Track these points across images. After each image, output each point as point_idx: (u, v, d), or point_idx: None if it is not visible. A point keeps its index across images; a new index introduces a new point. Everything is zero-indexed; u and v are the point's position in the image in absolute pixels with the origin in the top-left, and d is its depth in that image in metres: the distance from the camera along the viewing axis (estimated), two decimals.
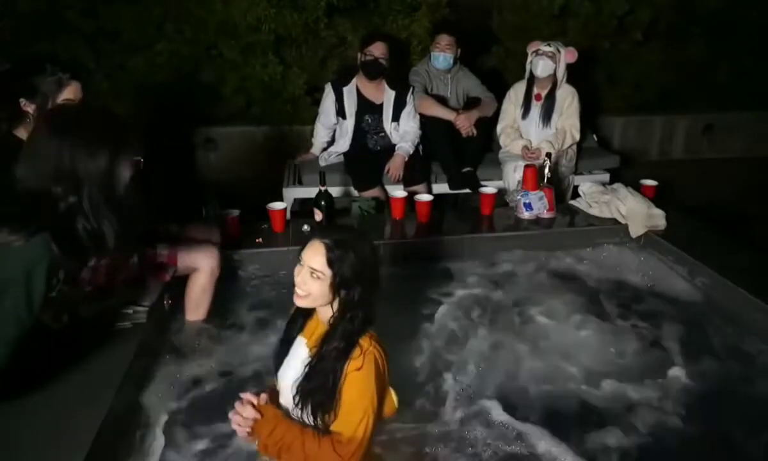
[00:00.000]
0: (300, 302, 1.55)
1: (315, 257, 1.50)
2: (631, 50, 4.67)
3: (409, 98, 3.52)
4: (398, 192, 3.08)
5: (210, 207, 2.70)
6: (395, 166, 3.37)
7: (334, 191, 3.12)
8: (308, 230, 2.81)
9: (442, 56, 3.69)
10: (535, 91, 3.59)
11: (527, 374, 2.09)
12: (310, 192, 3.19)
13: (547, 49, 3.45)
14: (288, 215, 3.01)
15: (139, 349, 1.94)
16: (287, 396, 1.60)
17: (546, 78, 3.51)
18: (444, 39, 3.67)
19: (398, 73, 3.62)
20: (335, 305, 1.56)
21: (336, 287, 1.52)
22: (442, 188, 3.60)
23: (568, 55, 3.48)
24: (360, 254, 1.54)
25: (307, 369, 1.55)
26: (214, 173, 4.35)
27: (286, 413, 1.60)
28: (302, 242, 1.60)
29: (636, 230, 2.88)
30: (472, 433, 1.79)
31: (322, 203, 2.82)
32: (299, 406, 1.54)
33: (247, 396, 1.56)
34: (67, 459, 1.48)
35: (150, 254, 2.14)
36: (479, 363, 2.13)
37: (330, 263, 1.50)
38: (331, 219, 2.86)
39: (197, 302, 2.26)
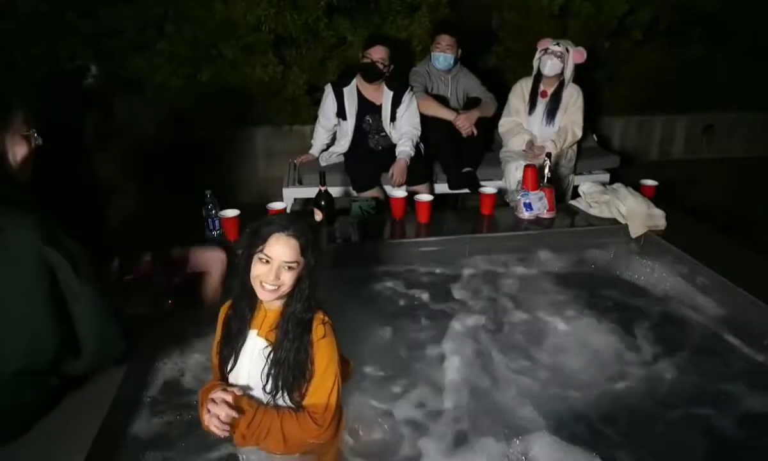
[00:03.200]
0: (270, 297, 1.56)
1: (286, 250, 1.53)
2: (631, 50, 4.67)
3: (406, 97, 3.49)
4: (398, 192, 3.08)
5: (210, 207, 2.71)
6: (398, 171, 3.32)
7: (334, 191, 3.13)
8: None
9: (442, 57, 3.68)
10: (542, 88, 3.59)
11: (525, 374, 2.09)
12: (310, 192, 3.20)
13: (556, 48, 3.45)
14: None
15: (139, 349, 1.94)
16: (250, 390, 1.61)
17: (553, 76, 3.51)
18: (445, 39, 3.67)
19: (398, 74, 3.61)
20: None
21: (304, 273, 1.57)
22: (442, 188, 3.60)
23: (576, 56, 3.47)
24: (316, 235, 1.63)
25: (272, 355, 1.58)
26: (214, 173, 4.34)
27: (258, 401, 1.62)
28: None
29: (636, 230, 2.88)
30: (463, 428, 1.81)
31: (322, 203, 2.82)
32: (273, 393, 1.57)
33: (219, 395, 1.53)
34: (67, 460, 1.48)
35: (165, 262, 2.19)
36: (478, 363, 2.14)
37: (303, 252, 1.55)
38: (331, 219, 2.86)
39: (210, 300, 2.30)
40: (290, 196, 3.55)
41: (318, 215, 2.84)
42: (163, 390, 1.94)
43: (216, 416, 1.51)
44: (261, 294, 1.56)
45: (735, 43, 4.86)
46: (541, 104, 3.59)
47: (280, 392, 1.57)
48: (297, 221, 1.60)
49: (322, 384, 1.57)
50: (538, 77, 3.57)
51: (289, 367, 1.56)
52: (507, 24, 4.43)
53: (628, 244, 2.90)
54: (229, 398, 1.53)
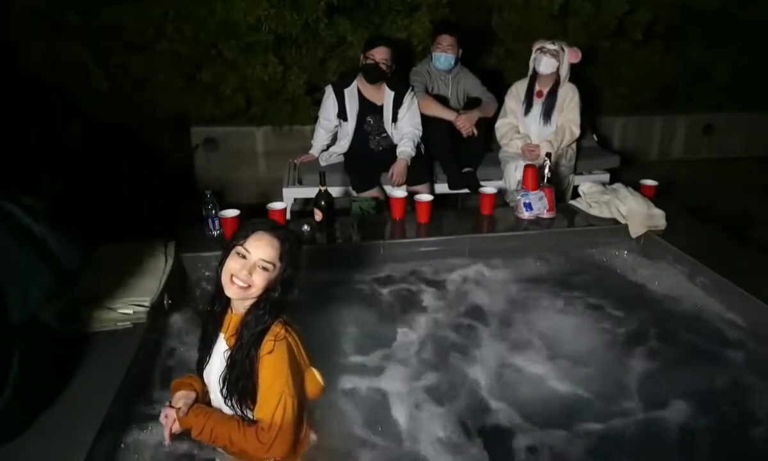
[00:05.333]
0: (237, 294, 1.55)
1: (266, 249, 1.54)
2: (631, 50, 4.67)
3: (407, 97, 3.49)
4: (398, 192, 3.08)
5: (210, 207, 2.71)
6: (398, 172, 3.33)
7: (334, 191, 3.12)
8: (308, 230, 2.81)
9: (443, 57, 3.68)
10: (537, 88, 3.59)
11: (524, 373, 2.09)
12: (310, 192, 3.20)
13: (551, 47, 3.45)
14: (288, 215, 3.02)
15: (139, 349, 1.95)
16: (215, 391, 1.61)
17: (548, 76, 3.52)
18: (446, 40, 3.66)
19: (399, 74, 3.61)
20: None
21: (278, 280, 1.56)
22: (442, 188, 3.60)
23: (571, 55, 3.48)
24: (299, 250, 1.61)
25: (228, 361, 1.57)
26: (214, 173, 4.35)
27: (217, 408, 1.63)
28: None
29: (636, 230, 2.88)
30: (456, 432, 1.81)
31: (322, 203, 2.82)
32: (227, 397, 1.56)
33: (167, 412, 1.57)
34: (67, 460, 1.48)
35: None
36: (477, 363, 2.14)
37: (281, 256, 1.55)
38: (331, 219, 2.86)
39: None
40: (290, 196, 3.55)
41: (318, 215, 2.84)
42: (163, 388, 1.94)
43: (167, 427, 1.57)
44: (228, 290, 1.55)
45: (735, 43, 4.86)
46: (537, 104, 3.59)
47: (233, 396, 1.56)
48: (285, 229, 1.62)
49: (266, 401, 1.52)
50: (534, 77, 3.58)
51: (239, 376, 1.54)
52: (507, 24, 4.43)
53: (628, 244, 2.90)
54: (172, 418, 1.56)
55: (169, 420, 1.57)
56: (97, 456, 1.54)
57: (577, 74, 3.63)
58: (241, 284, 1.53)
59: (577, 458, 1.73)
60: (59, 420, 1.61)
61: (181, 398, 1.61)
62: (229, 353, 1.58)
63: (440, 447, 1.75)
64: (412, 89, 3.56)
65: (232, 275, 1.53)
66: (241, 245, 1.54)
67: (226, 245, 1.60)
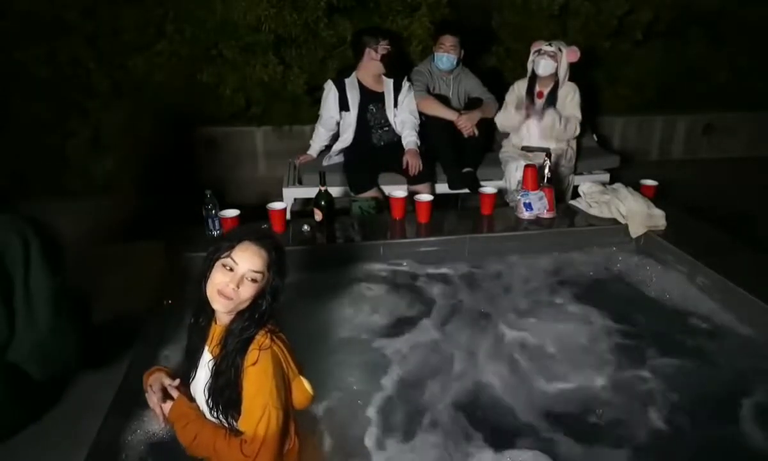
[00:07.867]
0: (225, 306, 1.50)
1: (254, 259, 1.49)
2: (631, 50, 4.67)
3: (405, 83, 3.57)
4: (398, 192, 3.08)
5: (210, 207, 2.71)
6: (412, 161, 3.37)
7: (334, 191, 3.12)
8: (308, 230, 2.81)
9: (445, 57, 3.68)
10: (537, 89, 3.59)
11: (524, 373, 2.09)
12: (310, 192, 3.20)
13: (548, 48, 3.45)
14: (288, 215, 3.02)
15: (139, 349, 1.95)
16: (202, 403, 1.59)
17: (548, 77, 3.52)
18: (448, 40, 3.66)
19: (397, 68, 3.63)
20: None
21: (266, 289, 1.53)
22: (442, 188, 3.60)
23: (570, 55, 3.48)
24: (283, 255, 1.57)
25: (213, 370, 1.54)
26: (214, 173, 4.35)
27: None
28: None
29: (636, 230, 2.88)
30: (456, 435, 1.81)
31: (322, 203, 2.82)
32: (212, 408, 1.54)
33: (148, 397, 1.59)
34: (68, 457, 1.48)
35: None
36: (477, 363, 2.14)
37: (269, 266, 1.52)
38: (331, 219, 2.86)
39: None
40: (290, 196, 3.55)
41: (318, 215, 2.84)
42: None
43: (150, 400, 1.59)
44: (216, 303, 1.51)
45: (735, 43, 4.86)
46: (538, 105, 3.59)
47: (218, 407, 1.53)
48: (269, 236, 1.59)
49: (249, 414, 1.47)
50: (533, 79, 3.58)
51: (224, 385, 1.51)
52: (507, 24, 4.43)
53: (628, 244, 2.90)
54: (155, 399, 1.57)
55: (153, 399, 1.59)
56: (98, 453, 1.54)
57: (577, 74, 3.63)
58: (228, 297, 1.48)
59: (574, 453, 1.73)
60: (60, 419, 1.61)
61: (155, 381, 1.63)
62: (213, 363, 1.55)
63: (438, 452, 1.74)
64: (408, 78, 3.62)
65: (218, 290, 1.48)
66: (227, 256, 1.49)
67: (208, 257, 1.54)
